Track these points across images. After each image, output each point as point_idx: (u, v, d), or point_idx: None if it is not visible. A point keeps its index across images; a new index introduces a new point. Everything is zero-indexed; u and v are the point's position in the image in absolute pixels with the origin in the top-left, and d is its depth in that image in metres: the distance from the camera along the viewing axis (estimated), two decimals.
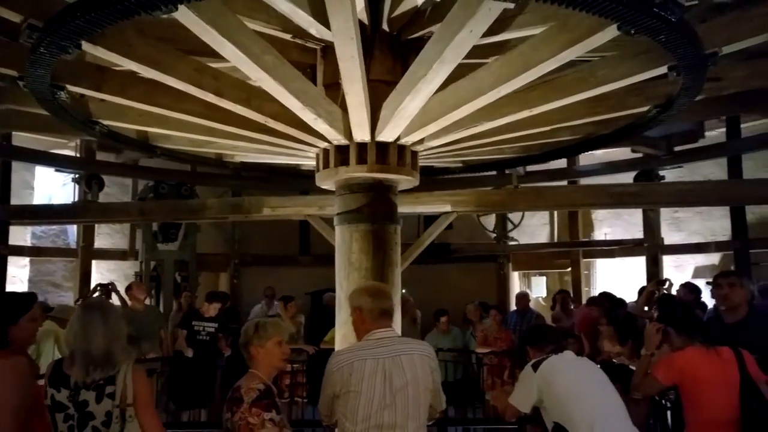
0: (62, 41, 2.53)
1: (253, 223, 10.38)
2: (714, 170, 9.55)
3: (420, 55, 2.84)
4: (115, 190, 10.63)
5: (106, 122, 4.19)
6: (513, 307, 9.75)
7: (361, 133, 3.58)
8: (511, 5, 2.21)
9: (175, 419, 6.42)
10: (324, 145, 3.84)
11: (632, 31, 2.44)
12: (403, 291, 8.62)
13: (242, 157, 5.79)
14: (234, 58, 2.67)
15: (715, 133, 8.83)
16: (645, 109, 3.97)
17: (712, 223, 10.07)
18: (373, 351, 2.58)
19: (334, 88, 3.57)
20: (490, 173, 8.97)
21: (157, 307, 8.68)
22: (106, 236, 10.81)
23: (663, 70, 3.06)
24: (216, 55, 3.14)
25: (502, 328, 7.30)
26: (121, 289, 7.37)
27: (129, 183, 10.50)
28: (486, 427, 6.36)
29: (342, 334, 3.89)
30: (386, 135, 3.63)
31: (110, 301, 7.52)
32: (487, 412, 6.68)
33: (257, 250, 11.53)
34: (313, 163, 4.20)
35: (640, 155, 9.22)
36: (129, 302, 6.84)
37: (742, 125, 8.25)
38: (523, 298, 8.40)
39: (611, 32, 2.50)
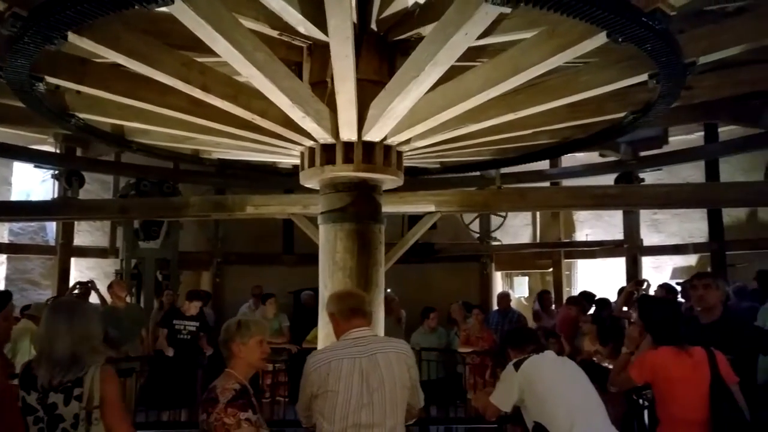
0: (49, 32, 2.47)
1: (237, 222, 10.32)
2: (692, 173, 9.73)
3: (412, 56, 2.85)
4: (96, 187, 10.50)
5: (82, 115, 4.10)
6: (495, 306, 9.84)
7: (348, 132, 3.58)
8: (508, 10, 2.23)
9: (155, 419, 6.37)
10: (310, 143, 3.83)
11: (620, 39, 2.50)
12: (388, 291, 8.67)
13: (221, 154, 5.70)
14: (226, 53, 2.65)
15: (694, 137, 8.99)
16: (622, 115, 4.05)
17: (690, 225, 10.26)
18: (349, 350, 2.59)
19: (320, 87, 3.58)
20: (474, 174, 9.05)
21: (138, 305, 8.60)
22: (85, 234, 10.68)
23: (644, 77, 3.14)
24: (199, 50, 3.13)
25: (485, 327, 7.35)
26: (102, 287, 7.30)
27: (110, 180, 10.38)
28: (467, 427, 6.40)
29: (324, 334, 3.89)
30: (373, 135, 3.64)
31: (88, 299, 7.45)
32: (468, 411, 6.73)
33: (240, 249, 11.46)
34: (293, 161, 4.20)
35: (614, 159, 9.33)
36: (109, 300, 6.77)
37: (719, 129, 8.41)
38: (504, 298, 8.48)
39: (600, 39, 2.55)
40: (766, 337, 3.52)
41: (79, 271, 10.07)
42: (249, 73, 2.84)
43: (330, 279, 3.83)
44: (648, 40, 2.55)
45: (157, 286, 9.52)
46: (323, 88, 3.56)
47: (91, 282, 7.01)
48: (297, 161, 4.28)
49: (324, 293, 3.91)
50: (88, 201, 9.08)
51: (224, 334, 2.71)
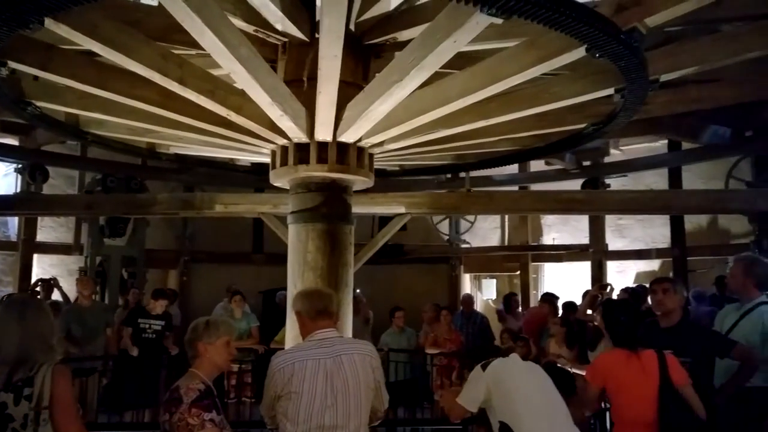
0: (27, 15, 2.36)
1: (206, 220, 10.21)
2: (656, 180, 9.99)
3: (396, 59, 2.88)
4: (61, 182, 10.26)
5: (39, 104, 3.93)
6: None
7: (324, 133, 3.58)
8: (499, 21, 2.26)
9: (118, 420, 6.25)
10: (282, 142, 3.80)
11: (597, 54, 2.60)
12: (357, 291, 8.67)
13: (181, 149, 5.51)
14: (212, 47, 2.61)
15: (658, 145, 9.24)
16: (582, 126, 4.21)
17: (653, 230, 10.52)
18: (314, 351, 2.58)
19: (294, 85, 3.56)
20: (444, 176, 9.14)
21: (103, 303, 8.43)
22: (49, 229, 10.42)
23: (610, 91, 3.28)
24: (169, 43, 3.10)
25: (452, 329, 7.42)
26: (65, 284, 7.14)
27: (75, 175, 10.13)
28: (434, 428, 6.45)
29: (293, 335, 3.88)
30: (348, 136, 3.65)
31: (50, 296, 7.28)
32: (435, 412, 6.78)
33: (209, 248, 11.32)
34: (257, 159, 4.15)
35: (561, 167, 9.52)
36: (72, 298, 6.62)
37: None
38: (468, 300, 8.56)
39: (578, 53, 2.64)
40: (723, 341, 3.61)
41: (41, 267, 9.82)
42: (232, 69, 2.79)
43: (300, 279, 3.83)
44: (623, 57, 2.66)
45: (123, 284, 9.34)
46: (298, 87, 3.55)
47: (54, 279, 6.85)
48: (261, 159, 4.25)
49: (293, 293, 3.90)
50: (52, 196, 8.86)
51: (191, 333, 2.67)
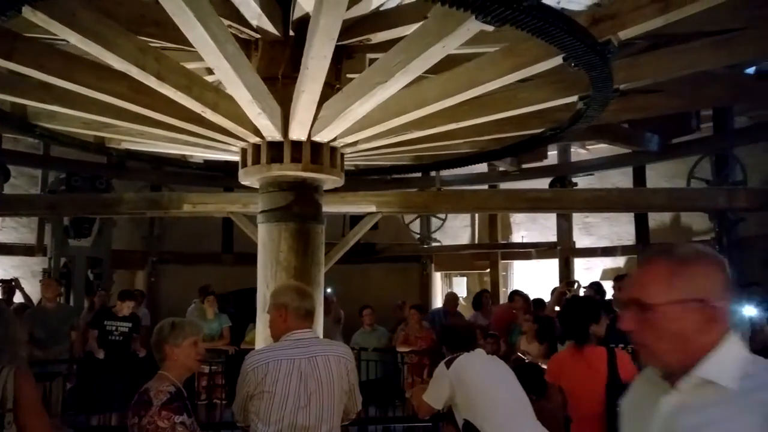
0: (7, 3, 2.26)
1: (174, 220, 10.07)
2: (621, 179, 10.21)
3: (380, 61, 2.92)
4: (23, 181, 9.98)
5: None
6: (435, 305, 10.06)
7: (299, 132, 3.58)
8: (491, 28, 2.30)
9: (84, 424, 6.13)
10: (255, 140, 3.76)
11: (573, 64, 2.72)
12: (328, 291, 8.66)
13: (137, 146, 5.30)
14: (200, 42, 2.57)
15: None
16: (540, 130, 4.38)
17: (619, 228, 10.75)
18: (289, 351, 2.56)
19: (268, 84, 3.55)
20: (415, 175, 9.18)
21: (68, 305, 8.23)
22: (10, 230, 10.13)
23: (574, 98, 3.45)
24: (144, 36, 3.03)
25: (423, 327, 7.47)
26: (27, 286, 6.95)
27: (38, 174, 9.87)
28: (405, 425, 6.49)
29: (264, 336, 3.87)
30: (323, 135, 3.66)
31: (12, 299, 7.09)
32: (407, 411, 6.82)
33: (177, 248, 11.15)
34: (215, 157, 4.09)
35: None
36: (35, 300, 6.46)
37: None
38: (452, 300, 8.64)
39: (555, 62, 2.75)
40: None
41: (3, 269, 9.54)
42: (218, 65, 2.76)
43: (273, 279, 3.80)
44: (597, 67, 2.80)
45: (88, 286, 9.15)
46: (271, 86, 3.53)
47: (15, 280, 6.68)
48: (228, 157, 4.19)
49: (266, 293, 3.88)
50: (14, 196, 8.59)
51: (156, 335, 2.64)
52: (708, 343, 1.23)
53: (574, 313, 3.46)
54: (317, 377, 2.53)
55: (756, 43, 3.59)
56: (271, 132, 3.57)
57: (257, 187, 4.13)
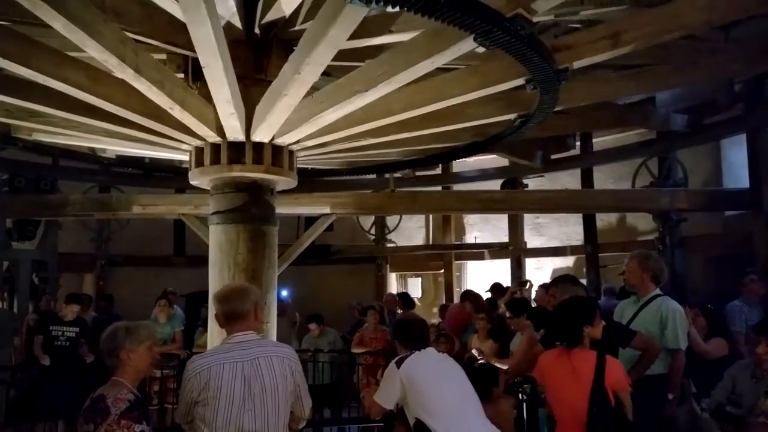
0: None
1: (124, 222, 9.82)
2: (570, 180, 10.51)
3: (360, 70, 3.00)
4: None
5: None
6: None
7: (263, 134, 3.57)
8: (482, 49, 2.47)
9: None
10: (215, 140, 3.69)
11: (534, 86, 2.99)
12: (284, 293, 8.61)
13: (54, 138, 4.80)
14: (203, 41, 2.55)
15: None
16: (469, 141, 4.79)
17: (568, 228, 11.06)
18: (231, 354, 2.52)
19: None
20: (370, 176, 9.23)
21: (10, 311, 7.94)
22: None
23: (513, 115, 3.92)
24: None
25: (379, 328, 7.51)
26: None
27: None
28: (360, 426, 6.52)
29: (216, 339, 3.83)
30: (286, 138, 3.68)
31: None
32: (361, 411, 6.85)
33: (128, 250, 10.87)
34: (154, 155, 3.99)
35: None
36: None
37: (593, 140, 9.18)
38: (391, 300, 8.72)
39: (516, 83, 3.00)
40: (625, 332, 3.81)
41: None
42: (211, 63, 2.71)
43: (232, 281, 3.73)
44: (552, 90, 3.10)
45: (33, 290, 8.82)
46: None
47: None
48: (172, 156, 4.10)
49: None
50: None
51: (110, 341, 2.56)
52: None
53: (568, 314, 3.37)
54: (261, 379, 2.50)
55: (660, 79, 4.41)
56: (235, 132, 3.54)
57: (207, 187, 4.07)
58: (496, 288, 7.83)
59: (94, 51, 2.60)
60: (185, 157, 4.21)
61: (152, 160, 6.24)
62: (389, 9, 2.03)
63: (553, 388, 3.31)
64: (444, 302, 9.75)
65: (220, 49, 2.61)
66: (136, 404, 2.44)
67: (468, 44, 2.44)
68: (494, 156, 9.04)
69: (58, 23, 2.37)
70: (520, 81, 3.04)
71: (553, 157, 9.40)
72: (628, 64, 4.41)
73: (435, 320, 10.64)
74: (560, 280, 4.45)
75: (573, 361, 3.18)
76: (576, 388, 3.12)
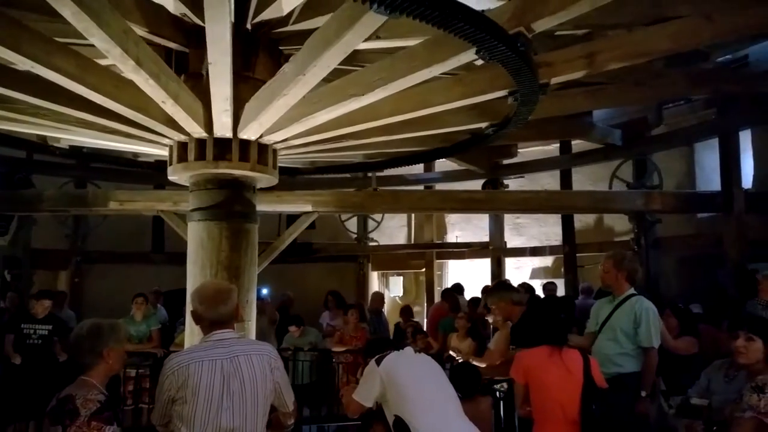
0: None
1: (101, 218, 9.67)
2: (550, 181, 10.63)
3: (356, 74, 3.07)
4: None
5: None
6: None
7: (251, 131, 3.56)
8: (480, 62, 2.60)
9: None
10: (201, 135, 3.65)
11: (514, 99, 3.22)
12: (264, 291, 8.56)
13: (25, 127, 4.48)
14: (217, 38, 2.58)
15: (551, 148, 9.85)
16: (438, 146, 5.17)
17: (548, 229, 11.19)
18: (210, 352, 2.49)
19: (195, 78, 3.50)
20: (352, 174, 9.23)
21: None
22: None
23: (483, 123, 4.23)
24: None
25: (359, 326, 7.51)
26: None
27: None
28: (339, 425, 6.51)
29: (194, 338, 3.79)
30: (273, 136, 3.68)
31: None
32: (341, 410, 6.83)
33: (104, 247, 10.67)
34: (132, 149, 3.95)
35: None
36: None
37: (572, 142, 9.30)
38: (378, 298, 8.73)
39: (498, 94, 3.19)
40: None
41: None
42: (219, 61, 2.72)
43: (214, 278, 3.70)
44: (531, 103, 3.32)
45: (4, 287, 8.63)
46: (196, 81, 3.47)
47: None
48: (144, 150, 4.04)
49: None
50: None
51: (94, 338, 2.51)
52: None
53: (558, 314, 3.49)
54: (240, 377, 2.47)
55: (614, 97, 5.28)
56: (224, 129, 3.52)
57: (186, 184, 4.02)
58: (524, 287, 7.86)
59: (99, 41, 2.52)
60: (162, 152, 4.15)
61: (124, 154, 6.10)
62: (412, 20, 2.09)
63: (544, 388, 3.28)
64: (426, 301, 9.78)
65: (227, 47, 2.62)
66: (106, 405, 2.40)
67: (467, 56, 2.59)
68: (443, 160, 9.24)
69: (68, 11, 2.28)
70: (503, 93, 3.24)
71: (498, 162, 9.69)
72: (586, 81, 4.77)
73: (416, 319, 10.68)
74: (493, 289, 4.76)
75: (565, 360, 3.26)
76: (571, 387, 3.19)
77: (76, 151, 5.90)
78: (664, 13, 3.46)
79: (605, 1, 2.51)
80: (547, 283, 8.35)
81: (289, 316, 7.74)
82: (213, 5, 2.31)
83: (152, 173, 7.58)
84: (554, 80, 3.27)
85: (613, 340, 4.03)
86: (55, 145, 5.12)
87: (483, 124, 4.27)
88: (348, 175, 9.24)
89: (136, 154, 5.97)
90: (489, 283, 8.98)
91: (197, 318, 2.59)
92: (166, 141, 3.91)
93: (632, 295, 4.12)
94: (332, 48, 2.45)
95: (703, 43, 3.64)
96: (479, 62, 2.88)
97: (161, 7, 3.28)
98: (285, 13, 3.33)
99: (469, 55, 2.56)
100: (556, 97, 4.13)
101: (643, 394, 3.95)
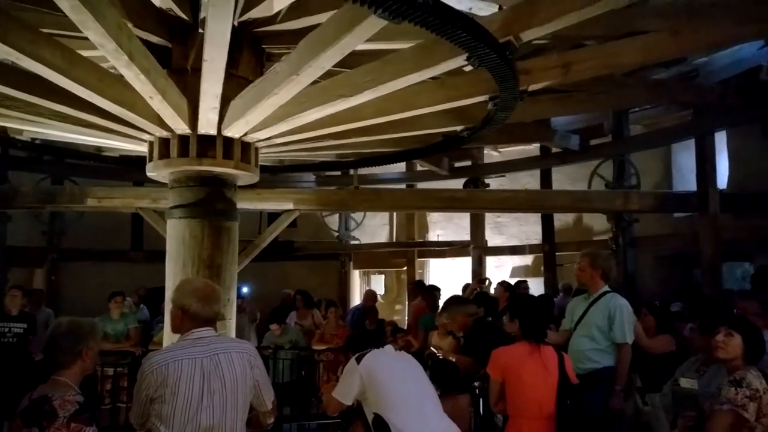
0: None
1: (78, 215, 9.52)
2: (530, 181, 10.72)
3: (345, 76, 3.12)
4: None
5: None
6: (354, 303, 10.14)
7: (236, 129, 3.53)
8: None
9: None
10: (184, 132, 3.61)
11: (494, 104, 3.35)
12: (244, 290, 8.51)
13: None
14: (217, 37, 2.57)
15: (531, 148, 9.95)
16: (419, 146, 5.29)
17: (528, 228, 11.29)
18: (189, 351, 2.46)
19: (179, 73, 3.47)
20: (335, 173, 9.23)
21: None
22: None
23: (459, 127, 4.35)
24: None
25: (340, 324, 7.51)
26: None
27: None
28: (320, 423, 6.50)
29: (173, 336, 3.76)
30: (258, 134, 3.67)
31: None
32: (321, 408, 6.82)
33: (81, 244, 10.49)
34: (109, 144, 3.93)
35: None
36: None
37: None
38: (371, 296, 8.75)
39: (480, 99, 3.31)
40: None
41: None
42: (215, 58, 2.70)
43: (193, 277, 3.66)
44: (509, 108, 3.43)
45: None
46: (179, 76, 3.44)
47: None
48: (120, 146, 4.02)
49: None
50: None
51: (73, 337, 2.47)
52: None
53: (537, 311, 3.52)
54: (220, 375, 2.46)
55: (583, 103, 5.58)
56: (209, 126, 3.49)
57: (164, 180, 3.98)
58: (504, 284, 7.94)
59: (94, 34, 2.46)
60: (131, 147, 4.11)
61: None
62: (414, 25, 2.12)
63: (520, 384, 3.32)
64: (407, 299, 9.83)
65: (223, 44, 2.61)
66: (85, 406, 2.37)
67: (457, 61, 2.66)
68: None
69: (67, 3, 2.23)
70: (483, 97, 3.35)
71: (456, 164, 10.00)
72: (553, 89, 4.96)
73: (397, 317, 10.73)
74: (447, 304, 5.04)
75: (543, 357, 3.33)
76: (548, 384, 3.27)
77: (48, 145, 5.73)
78: (634, 26, 3.67)
79: (591, 14, 2.57)
80: (520, 281, 8.43)
81: (287, 315, 7.68)
82: (218, 3, 2.30)
83: (131, 170, 7.49)
84: (531, 87, 3.40)
85: (588, 336, 4.11)
86: (17, 137, 4.91)
87: (458, 127, 4.40)
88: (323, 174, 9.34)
89: (99, 148, 5.78)
90: (470, 281, 9.04)
91: (191, 316, 2.53)
92: (146, 137, 3.85)
93: (606, 292, 4.20)
94: (330, 49, 2.45)
95: (670, 57, 4.05)
96: (468, 68, 2.93)
97: (147, 0, 3.24)
98: (274, 11, 3.32)
99: (458, 61, 2.64)
100: (528, 103, 4.21)
101: (617, 388, 4.03)
